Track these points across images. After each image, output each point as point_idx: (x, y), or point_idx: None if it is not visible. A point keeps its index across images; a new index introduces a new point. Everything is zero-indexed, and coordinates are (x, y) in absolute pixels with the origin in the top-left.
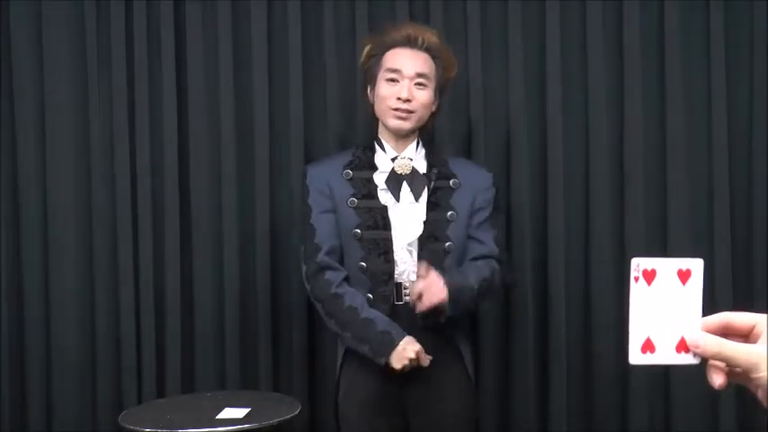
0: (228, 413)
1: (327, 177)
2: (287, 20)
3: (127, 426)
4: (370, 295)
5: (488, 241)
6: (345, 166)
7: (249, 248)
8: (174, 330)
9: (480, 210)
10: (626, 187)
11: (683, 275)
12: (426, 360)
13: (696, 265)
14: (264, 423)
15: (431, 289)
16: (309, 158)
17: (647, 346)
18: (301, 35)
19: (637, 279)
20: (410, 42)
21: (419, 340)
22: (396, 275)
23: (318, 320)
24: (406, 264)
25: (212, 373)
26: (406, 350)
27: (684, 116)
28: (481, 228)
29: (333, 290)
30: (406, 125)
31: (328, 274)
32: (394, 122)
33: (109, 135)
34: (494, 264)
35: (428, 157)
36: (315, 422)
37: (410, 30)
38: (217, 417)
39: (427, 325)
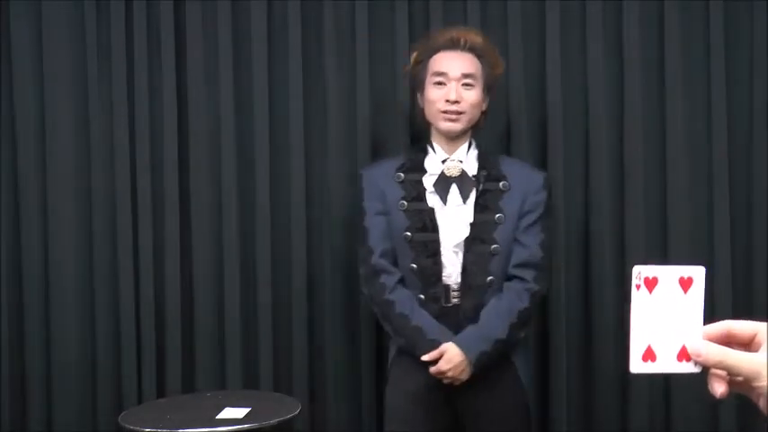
0: (228, 413)
1: (380, 180)
2: (287, 20)
3: (127, 426)
4: (422, 296)
5: (532, 245)
6: (398, 169)
7: (249, 248)
8: (174, 330)
9: (529, 213)
10: (626, 187)
11: (685, 283)
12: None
13: (698, 273)
14: (264, 423)
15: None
16: (309, 158)
17: (648, 355)
18: (301, 35)
19: (638, 287)
20: (454, 44)
21: None
22: (444, 277)
23: (319, 320)
24: (454, 266)
25: (212, 373)
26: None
27: (684, 116)
28: (528, 231)
29: (386, 296)
30: (457, 126)
31: (383, 278)
32: (445, 125)
33: (109, 135)
34: (532, 286)
35: (480, 158)
36: (315, 422)
37: (453, 32)
38: (217, 417)
39: (467, 324)
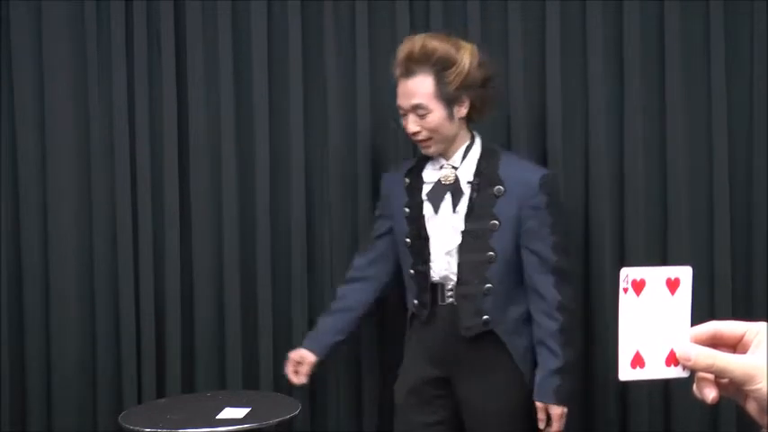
0: (228, 413)
1: (392, 184)
2: (287, 20)
3: (127, 426)
4: (416, 301)
5: (543, 250)
6: (405, 174)
7: (249, 248)
8: (174, 330)
9: (528, 218)
10: (626, 187)
11: (672, 285)
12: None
13: (685, 274)
14: (264, 423)
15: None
16: (309, 159)
17: (637, 361)
18: (301, 35)
19: (626, 290)
20: (403, 72)
21: (461, 342)
22: (436, 281)
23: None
24: (447, 271)
25: (212, 373)
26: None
27: (684, 116)
28: (535, 236)
29: (339, 288)
30: (431, 150)
31: (350, 272)
32: (423, 151)
33: (109, 135)
34: (554, 296)
35: (480, 161)
36: (315, 422)
37: (404, 51)
38: (217, 417)
39: (470, 333)
